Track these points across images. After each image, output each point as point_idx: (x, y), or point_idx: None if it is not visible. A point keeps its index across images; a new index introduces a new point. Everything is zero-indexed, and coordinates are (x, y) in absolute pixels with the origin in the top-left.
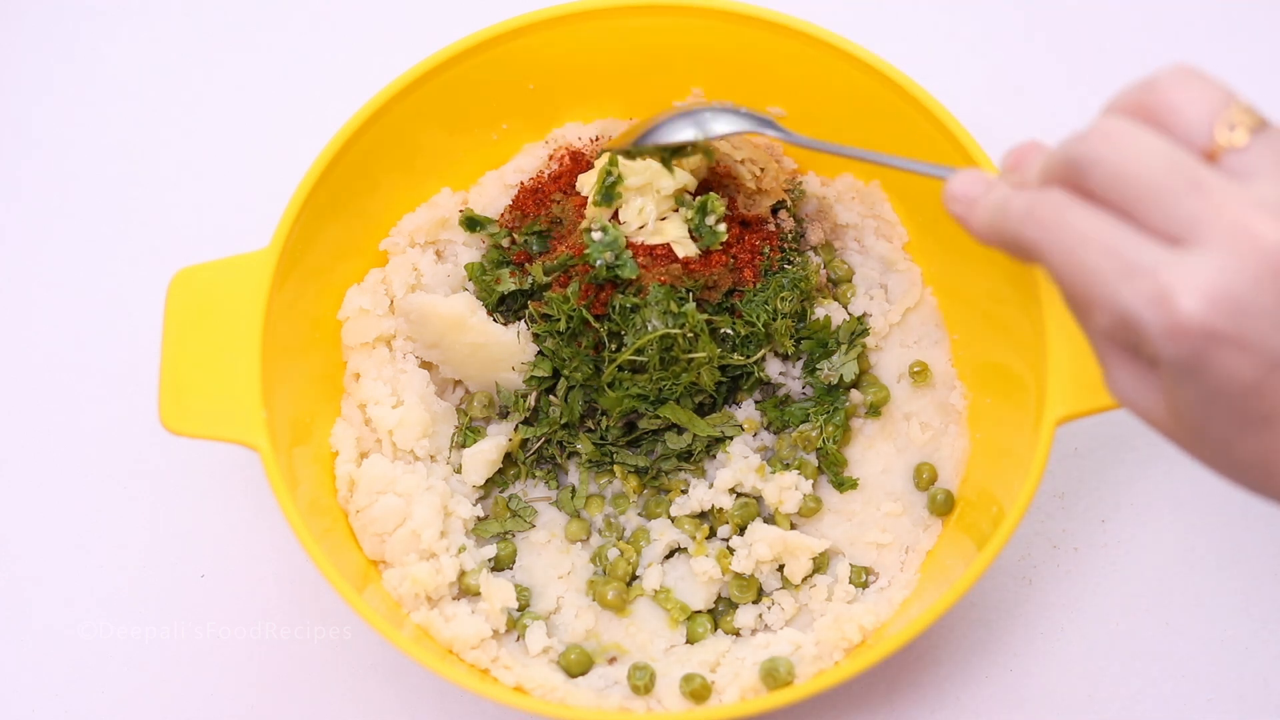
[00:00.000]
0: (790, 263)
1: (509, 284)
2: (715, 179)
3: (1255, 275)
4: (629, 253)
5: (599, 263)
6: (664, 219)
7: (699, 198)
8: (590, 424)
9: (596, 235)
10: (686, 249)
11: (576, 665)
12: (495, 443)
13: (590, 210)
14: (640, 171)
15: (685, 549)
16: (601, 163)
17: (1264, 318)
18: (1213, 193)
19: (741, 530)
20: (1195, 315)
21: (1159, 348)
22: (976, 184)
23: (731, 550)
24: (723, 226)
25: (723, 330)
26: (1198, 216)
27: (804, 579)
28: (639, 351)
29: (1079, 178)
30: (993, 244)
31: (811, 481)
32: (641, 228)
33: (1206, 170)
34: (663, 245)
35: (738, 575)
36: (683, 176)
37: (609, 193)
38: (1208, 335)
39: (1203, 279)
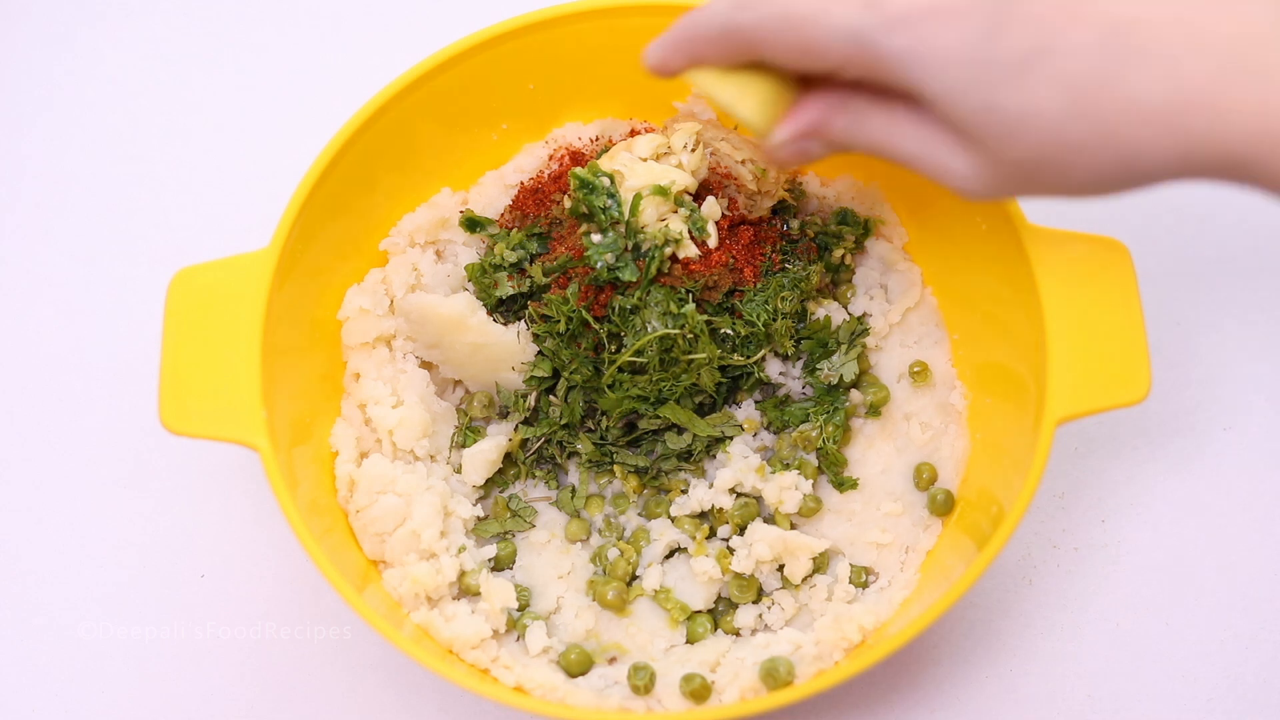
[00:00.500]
0: (790, 263)
1: (507, 288)
2: (716, 180)
3: None
4: (629, 255)
5: (599, 265)
6: (664, 220)
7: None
8: (590, 424)
9: (596, 237)
10: (687, 250)
11: (576, 665)
12: (495, 443)
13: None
14: (642, 173)
15: (685, 549)
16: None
17: None
18: None
19: (741, 530)
20: (891, 4)
21: (889, 49)
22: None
23: (731, 550)
24: (713, 228)
25: (723, 331)
26: None
27: (804, 579)
28: (639, 352)
29: None
30: (722, 51)
31: (811, 481)
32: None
33: None
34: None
35: (738, 575)
36: (683, 178)
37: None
38: (924, 13)
39: None
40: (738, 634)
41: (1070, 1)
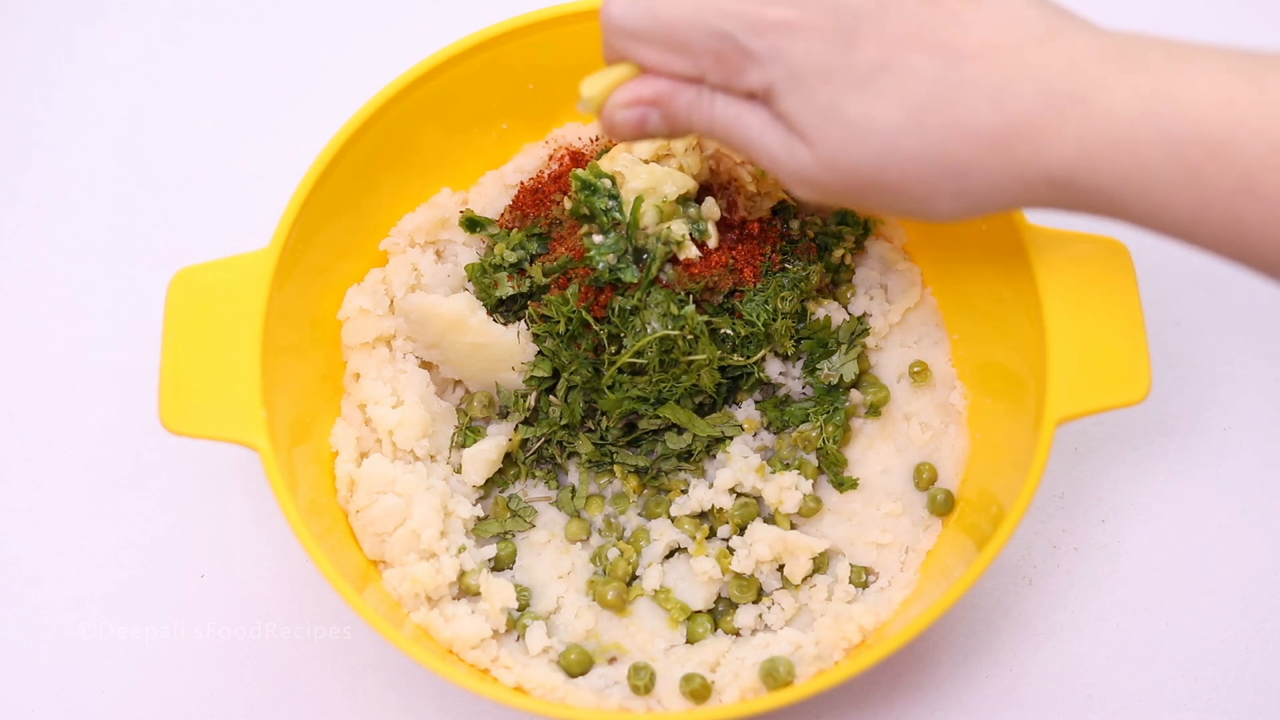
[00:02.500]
0: (790, 263)
1: (507, 288)
2: (715, 181)
3: None
4: (630, 256)
5: (600, 266)
6: (665, 222)
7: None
8: (590, 424)
9: (598, 238)
10: (687, 251)
11: (576, 665)
12: (495, 443)
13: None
14: (643, 175)
15: (685, 549)
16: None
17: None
18: None
19: (741, 530)
20: (764, 4)
21: (752, 47)
22: None
23: (731, 550)
24: (713, 229)
25: (723, 331)
26: None
27: (804, 579)
28: (639, 353)
29: None
30: (608, 59)
31: (811, 481)
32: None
33: None
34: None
35: (738, 575)
36: (684, 180)
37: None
38: (782, 16)
39: None
40: (738, 634)
41: (917, 28)
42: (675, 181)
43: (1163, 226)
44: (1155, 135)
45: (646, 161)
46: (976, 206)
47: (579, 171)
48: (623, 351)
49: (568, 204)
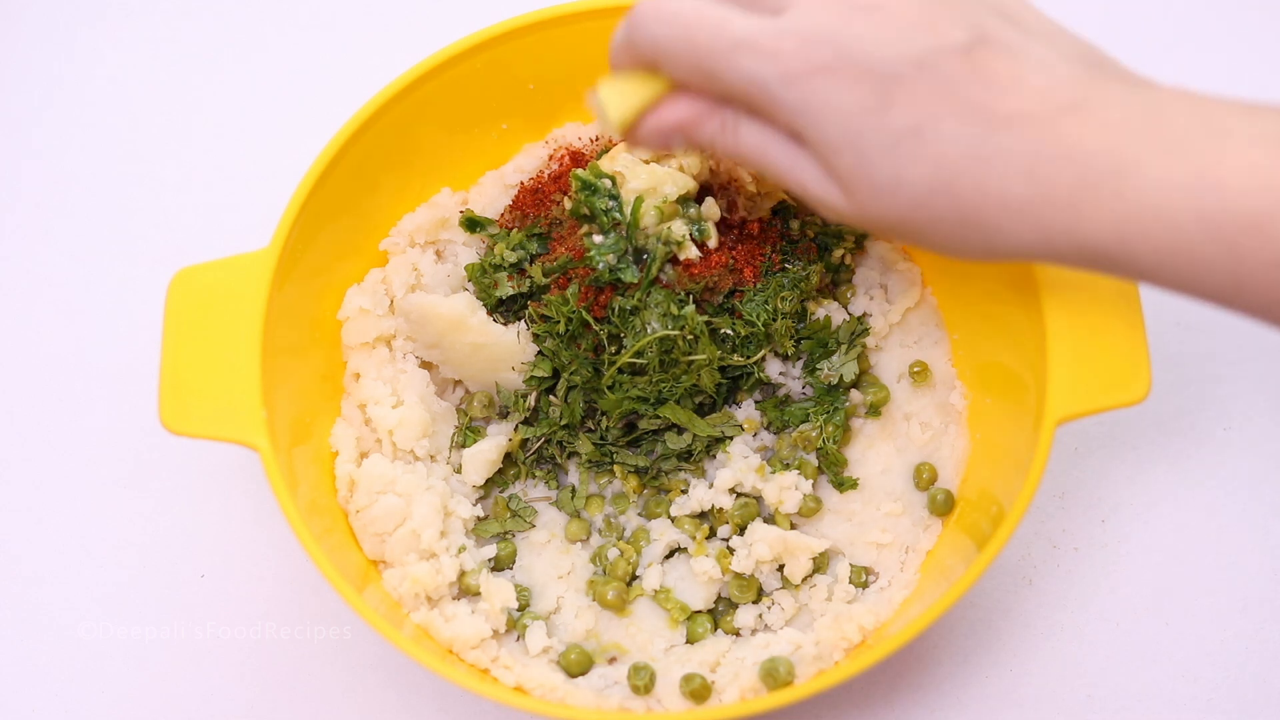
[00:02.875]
0: (790, 263)
1: (507, 288)
2: (716, 182)
3: (840, 11)
4: (630, 256)
5: (601, 266)
6: (666, 223)
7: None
8: (590, 424)
9: (598, 239)
10: (688, 251)
11: (576, 665)
12: (495, 443)
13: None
14: (644, 175)
15: (685, 549)
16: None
17: (857, 42)
18: None
19: (741, 530)
20: (798, 55)
21: (783, 98)
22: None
23: (731, 550)
24: (713, 229)
25: (723, 331)
26: None
27: (804, 579)
28: (639, 354)
29: None
30: (629, 59)
31: (811, 481)
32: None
33: None
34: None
35: (738, 575)
36: (684, 180)
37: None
38: (816, 70)
39: (798, 27)
40: (738, 634)
41: (952, 91)
42: (675, 182)
43: (1199, 295)
44: (1192, 213)
45: (646, 162)
46: (1004, 258)
47: (579, 172)
48: (623, 351)
49: (568, 204)
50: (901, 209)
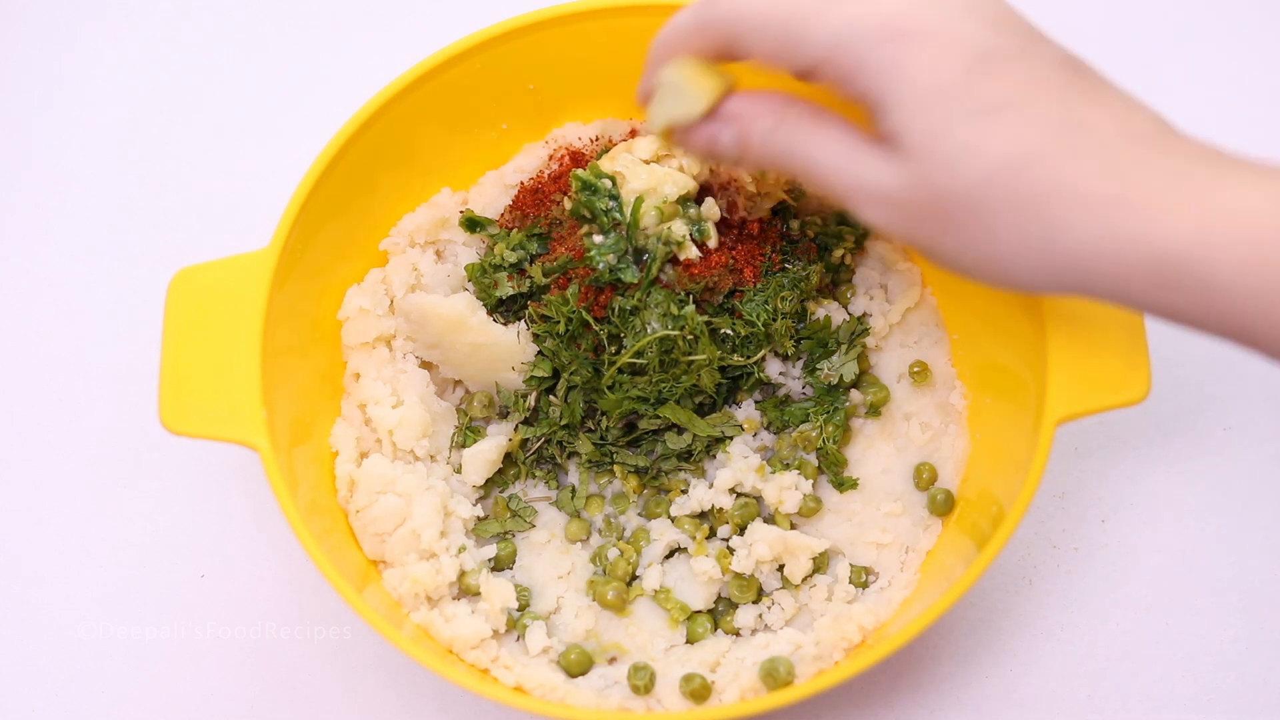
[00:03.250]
0: (790, 263)
1: (507, 288)
2: (715, 182)
3: None
4: (630, 256)
5: (601, 266)
6: (666, 223)
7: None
8: (590, 424)
9: (598, 239)
10: (688, 252)
11: (576, 665)
12: (495, 443)
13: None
14: (644, 175)
15: (685, 549)
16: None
17: (964, 18)
18: None
19: (741, 530)
20: (901, 11)
21: (871, 57)
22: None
23: (731, 550)
24: (713, 229)
25: (723, 331)
26: None
27: (804, 579)
28: (639, 354)
29: None
30: (702, 42)
31: (811, 481)
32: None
33: None
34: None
35: (738, 575)
36: (684, 180)
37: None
38: (915, 30)
39: None
40: (738, 634)
41: (1047, 80)
42: (675, 182)
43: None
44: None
45: (647, 162)
46: (1056, 276)
47: (579, 172)
48: (623, 351)
49: (568, 204)
50: (967, 183)
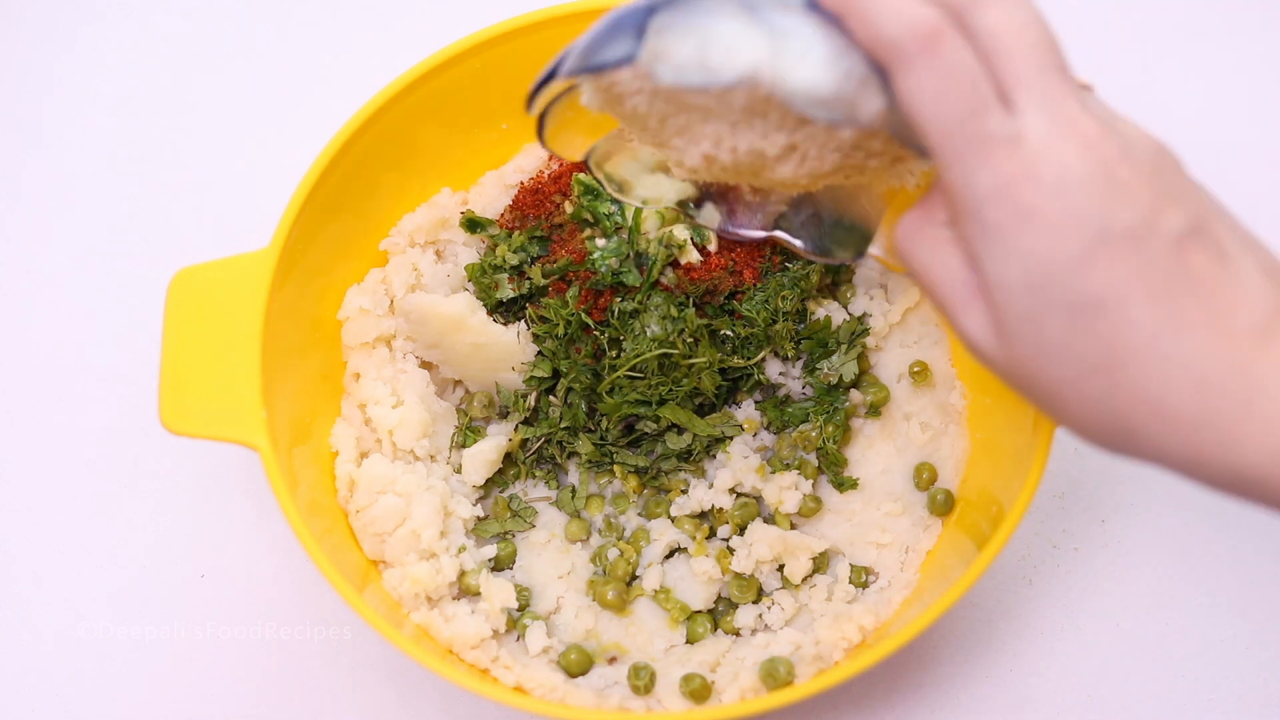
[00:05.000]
0: (790, 263)
1: (507, 291)
2: (714, 188)
3: (1077, 151)
4: (632, 260)
5: (603, 269)
6: (667, 226)
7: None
8: (590, 424)
9: (600, 242)
10: (689, 255)
11: (576, 665)
12: (495, 443)
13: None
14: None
15: (685, 549)
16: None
17: (1080, 191)
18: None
19: (741, 530)
20: (1016, 181)
21: (982, 217)
22: None
23: (731, 550)
24: (713, 233)
25: (723, 333)
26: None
27: (804, 579)
28: (637, 356)
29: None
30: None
31: (811, 481)
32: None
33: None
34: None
35: (738, 575)
36: (685, 186)
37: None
38: (1027, 206)
39: (1033, 151)
40: (738, 634)
41: (1150, 277)
42: (676, 188)
43: None
44: None
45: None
46: (1135, 459)
47: (581, 176)
48: (623, 355)
49: (569, 209)
50: (1057, 379)
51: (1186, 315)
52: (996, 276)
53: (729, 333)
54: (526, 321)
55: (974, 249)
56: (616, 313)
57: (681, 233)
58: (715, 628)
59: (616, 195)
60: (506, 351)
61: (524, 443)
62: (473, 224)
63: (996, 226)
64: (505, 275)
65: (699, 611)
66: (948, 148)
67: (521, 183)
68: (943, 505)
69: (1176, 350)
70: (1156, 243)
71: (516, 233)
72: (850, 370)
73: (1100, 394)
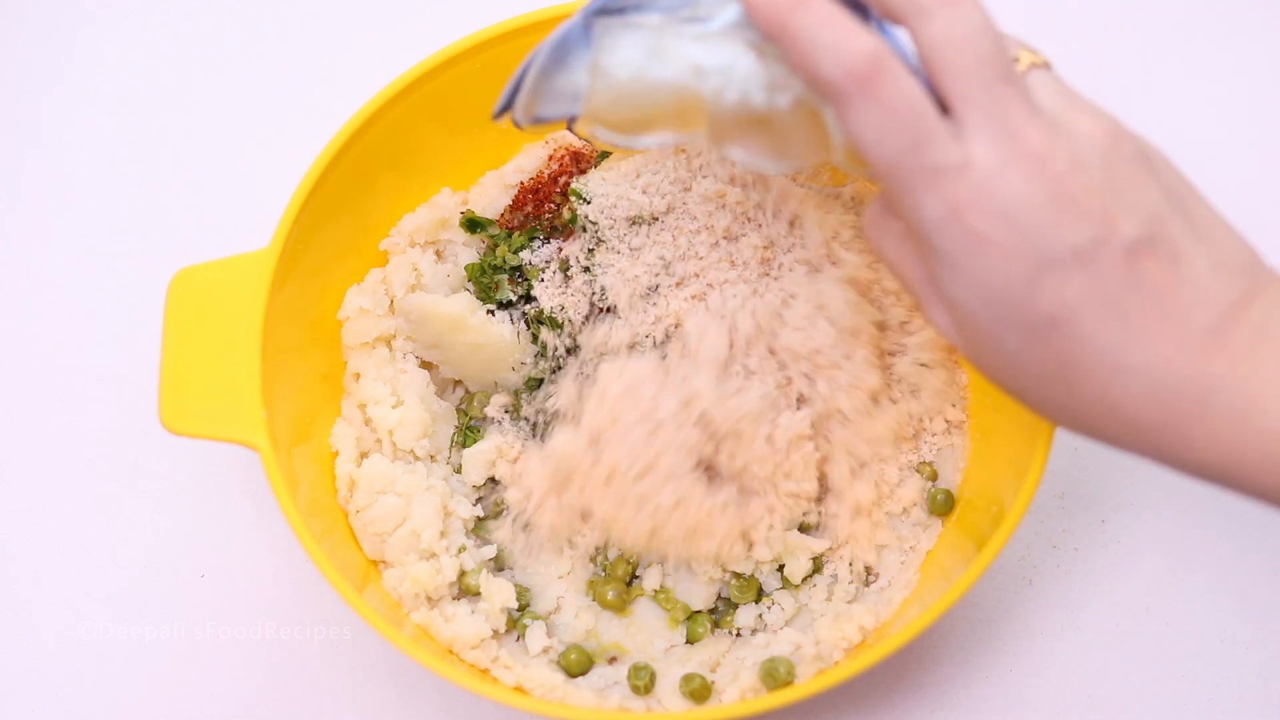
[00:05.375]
0: None
1: (507, 292)
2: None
3: (1025, 175)
4: None
5: None
6: None
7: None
8: None
9: None
10: None
11: (576, 665)
12: (495, 443)
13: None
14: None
15: None
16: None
17: (1028, 215)
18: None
19: None
20: (966, 211)
21: (935, 242)
22: None
23: None
24: None
25: None
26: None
27: (804, 579)
28: None
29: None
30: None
31: None
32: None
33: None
34: None
35: (738, 575)
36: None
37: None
38: (978, 234)
39: (979, 179)
40: (738, 634)
41: (1100, 292)
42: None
43: None
44: None
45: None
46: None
47: (576, 185)
48: None
49: (566, 214)
50: (1017, 384)
51: (1139, 326)
52: (952, 295)
53: None
54: (526, 322)
55: (929, 267)
56: None
57: None
58: (715, 628)
59: (609, 148)
60: (506, 351)
61: None
62: (473, 224)
63: (947, 253)
64: (505, 276)
65: (699, 611)
66: (894, 180)
67: (521, 183)
68: (943, 505)
69: (1130, 361)
70: (1107, 258)
71: (516, 233)
72: None
73: (1060, 399)
